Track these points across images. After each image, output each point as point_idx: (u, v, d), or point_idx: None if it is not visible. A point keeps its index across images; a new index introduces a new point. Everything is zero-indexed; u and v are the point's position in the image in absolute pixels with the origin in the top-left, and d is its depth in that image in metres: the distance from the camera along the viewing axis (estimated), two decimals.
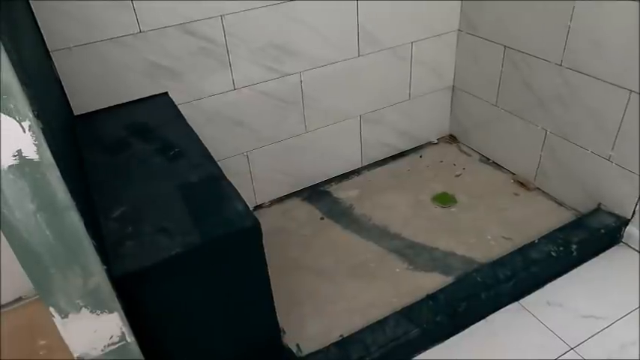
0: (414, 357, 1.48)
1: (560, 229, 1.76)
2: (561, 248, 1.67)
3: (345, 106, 2.12)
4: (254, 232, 1.08)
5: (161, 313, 1.06)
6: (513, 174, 2.20)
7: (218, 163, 1.28)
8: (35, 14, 1.41)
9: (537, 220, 1.93)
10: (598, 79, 1.69)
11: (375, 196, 2.15)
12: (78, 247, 0.77)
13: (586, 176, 1.87)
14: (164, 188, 1.20)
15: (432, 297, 1.54)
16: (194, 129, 1.43)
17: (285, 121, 2.00)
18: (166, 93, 1.68)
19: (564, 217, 1.93)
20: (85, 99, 1.57)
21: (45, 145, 0.68)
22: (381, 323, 1.47)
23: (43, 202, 0.71)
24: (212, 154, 1.31)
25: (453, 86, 2.36)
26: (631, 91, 1.61)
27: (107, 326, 0.87)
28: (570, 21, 1.71)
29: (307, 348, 1.47)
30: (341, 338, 1.47)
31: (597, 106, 1.73)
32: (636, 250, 1.78)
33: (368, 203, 2.11)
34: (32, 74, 0.86)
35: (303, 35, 1.86)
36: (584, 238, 1.71)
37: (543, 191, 2.08)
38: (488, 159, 2.32)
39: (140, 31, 1.58)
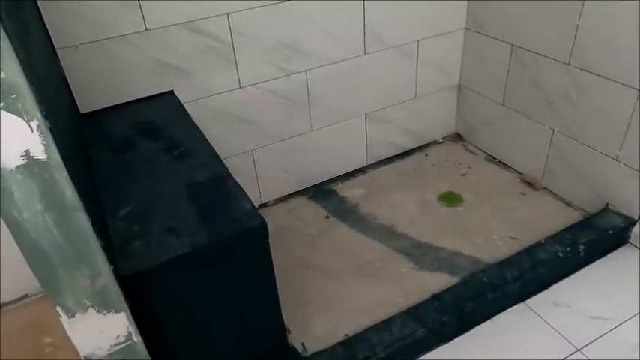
0: (419, 357, 1.47)
1: (568, 230, 1.75)
2: (568, 248, 1.66)
3: (351, 104, 2.11)
4: (261, 231, 1.08)
5: (168, 313, 1.06)
6: (520, 173, 2.19)
7: (223, 161, 1.27)
8: (42, 13, 1.40)
9: (544, 220, 1.92)
10: (606, 78, 1.68)
11: (381, 195, 2.15)
12: (85, 247, 0.77)
13: (594, 176, 1.86)
14: (171, 187, 1.20)
15: (438, 297, 1.54)
16: (199, 127, 1.43)
17: (290, 119, 2.00)
18: (172, 91, 1.68)
19: (571, 217, 1.92)
20: (91, 97, 1.57)
21: (53, 145, 0.67)
22: (387, 323, 1.47)
23: (51, 203, 0.71)
24: (217, 153, 1.30)
25: (459, 85, 2.34)
26: None
27: (114, 326, 0.87)
28: (579, 20, 1.69)
29: (313, 347, 1.47)
30: (347, 338, 1.47)
31: (605, 105, 1.71)
32: None
33: (374, 202, 2.11)
34: (40, 73, 0.86)
35: (308, 34, 1.85)
36: (592, 239, 1.70)
37: (550, 191, 2.06)
38: (495, 158, 2.31)
39: (146, 29, 1.57)
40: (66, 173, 0.70)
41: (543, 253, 1.65)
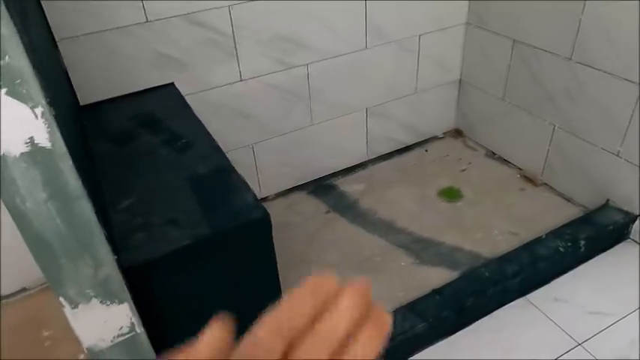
0: (419, 351, 1.47)
1: (568, 225, 1.75)
2: (569, 244, 1.66)
3: (352, 99, 2.11)
4: (264, 223, 1.07)
5: (170, 304, 1.05)
6: (520, 169, 2.19)
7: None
8: (42, 3, 1.39)
9: (544, 215, 1.92)
10: (608, 73, 1.67)
11: (381, 190, 2.14)
12: (89, 237, 0.76)
13: (594, 172, 1.86)
14: (172, 179, 1.19)
15: (438, 292, 1.54)
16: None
17: (291, 113, 1.99)
18: (172, 84, 1.67)
19: (571, 212, 1.92)
20: (91, 89, 1.56)
21: (57, 133, 0.66)
22: None
23: (54, 191, 0.70)
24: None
25: (460, 80, 2.34)
26: None
27: (117, 317, 0.86)
28: (582, 14, 1.69)
29: None
30: None
31: (607, 100, 1.71)
32: None
33: (373, 197, 2.10)
34: (43, 61, 0.85)
35: (310, 27, 1.84)
36: (592, 234, 1.70)
37: (550, 187, 2.06)
38: (495, 154, 2.31)
39: (147, 21, 1.56)
40: (70, 162, 0.69)
41: (544, 249, 1.65)
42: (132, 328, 0.90)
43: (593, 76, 1.73)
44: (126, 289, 0.86)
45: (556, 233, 1.72)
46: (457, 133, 2.48)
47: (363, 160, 2.30)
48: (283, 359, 0.27)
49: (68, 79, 1.51)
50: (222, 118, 1.84)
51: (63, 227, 0.72)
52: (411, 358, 1.46)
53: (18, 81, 0.61)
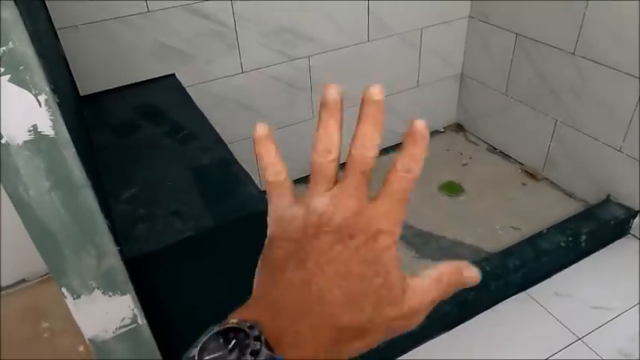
0: (421, 344, 1.47)
1: (570, 220, 1.75)
2: (570, 239, 1.66)
3: (353, 92, 2.08)
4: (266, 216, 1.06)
5: (172, 296, 1.05)
6: (521, 164, 2.19)
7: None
8: None
9: (545, 210, 1.92)
10: (612, 68, 1.67)
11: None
12: (92, 227, 0.75)
13: (596, 167, 1.86)
14: (175, 171, 1.18)
15: None
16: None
17: (292, 106, 1.98)
18: (174, 75, 1.65)
19: (572, 207, 1.92)
20: (91, 79, 1.54)
21: (61, 121, 0.65)
22: None
23: (58, 180, 0.69)
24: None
25: (462, 74, 2.33)
26: None
27: (119, 308, 0.85)
28: (586, 9, 1.68)
29: None
30: None
31: (610, 95, 1.71)
32: None
33: (375, 191, 2.09)
34: (45, 50, 0.84)
35: (312, 19, 1.82)
36: (594, 229, 1.70)
37: (551, 182, 2.06)
38: (496, 148, 2.30)
39: (148, 11, 1.54)
40: (74, 150, 0.68)
41: (546, 243, 1.65)
42: (134, 319, 0.89)
43: (596, 71, 1.72)
44: (128, 280, 0.85)
45: (557, 228, 1.71)
46: (458, 127, 2.47)
47: None
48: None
49: (68, 69, 1.50)
50: (224, 110, 1.83)
51: (66, 217, 0.71)
52: (412, 351, 1.46)
53: (21, 68, 0.60)
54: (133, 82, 1.60)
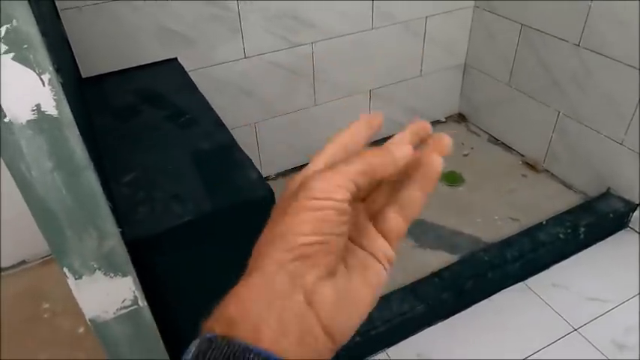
0: (418, 332, 1.49)
1: (569, 212, 1.76)
2: (569, 231, 1.67)
3: (356, 80, 2.09)
4: (267, 201, 1.06)
5: (171, 279, 1.05)
6: (522, 155, 2.19)
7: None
8: None
9: (545, 202, 1.92)
10: (616, 60, 1.66)
11: None
12: (94, 208, 0.75)
13: (597, 160, 1.86)
14: (176, 155, 1.18)
15: (438, 274, 1.54)
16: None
17: (294, 93, 1.97)
18: (176, 59, 1.64)
19: (572, 200, 1.92)
20: (93, 61, 1.54)
21: (64, 101, 0.65)
22: (387, 298, 1.47)
23: (60, 161, 0.69)
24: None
25: (465, 64, 2.32)
26: None
27: (120, 290, 0.86)
28: (591, 0, 1.66)
29: None
30: None
31: (614, 88, 1.70)
32: None
33: None
34: (48, 29, 0.83)
35: (316, 5, 1.81)
36: (593, 222, 1.71)
37: (552, 173, 2.06)
38: (497, 139, 2.30)
39: None
40: (77, 131, 0.68)
41: (544, 235, 1.66)
42: (135, 301, 0.89)
43: (601, 63, 1.71)
44: (130, 262, 0.85)
45: (556, 220, 1.72)
46: (460, 117, 2.47)
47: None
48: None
49: (70, 50, 1.49)
50: (225, 95, 1.82)
51: (68, 198, 0.72)
52: (409, 338, 1.47)
53: (25, 46, 0.60)
54: (135, 65, 1.60)
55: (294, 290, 0.30)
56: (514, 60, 2.05)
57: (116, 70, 1.57)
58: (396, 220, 0.36)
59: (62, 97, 0.65)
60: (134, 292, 0.88)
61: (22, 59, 0.60)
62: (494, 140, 2.30)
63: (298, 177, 0.36)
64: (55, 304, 1.66)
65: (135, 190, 1.08)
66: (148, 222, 0.99)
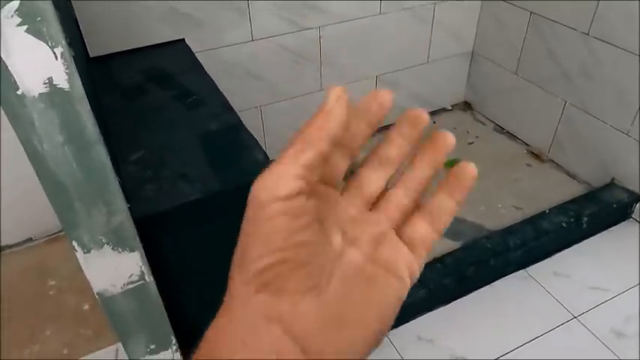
0: (419, 317, 1.50)
1: (573, 201, 1.76)
2: (572, 220, 1.67)
3: (363, 65, 2.08)
4: None
5: (177, 257, 1.07)
6: (527, 145, 2.18)
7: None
8: None
9: (549, 191, 1.92)
10: (626, 50, 1.65)
11: None
12: (103, 183, 0.76)
13: (602, 150, 1.85)
14: (183, 135, 1.18)
15: (440, 260, 1.55)
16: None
17: (301, 77, 1.97)
18: (183, 40, 1.64)
19: (576, 190, 1.92)
20: (100, 41, 1.54)
21: (76, 75, 0.66)
22: None
23: (71, 135, 0.70)
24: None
25: (473, 52, 2.31)
26: None
27: (128, 264, 0.87)
28: None
29: None
30: None
31: (622, 78, 1.69)
32: None
33: None
34: (60, 4, 0.83)
35: None
36: (596, 212, 1.71)
37: (557, 163, 2.06)
38: (503, 128, 2.29)
39: None
40: (88, 105, 0.69)
41: (547, 224, 1.66)
42: (142, 276, 0.91)
43: (609, 52, 1.70)
44: (137, 237, 0.87)
45: (560, 209, 1.72)
46: (466, 106, 2.46)
47: None
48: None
49: (78, 29, 1.49)
50: (232, 77, 1.82)
51: (78, 172, 0.73)
52: (410, 322, 1.48)
53: (39, 19, 0.60)
54: (143, 45, 1.60)
55: (268, 327, 0.25)
56: (522, 48, 2.04)
57: (124, 50, 1.57)
58: (426, 229, 0.31)
59: (74, 71, 0.65)
60: (141, 268, 0.90)
61: (35, 32, 0.61)
62: (500, 129, 2.30)
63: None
64: (61, 281, 1.68)
65: (142, 168, 1.09)
66: (155, 200, 1.00)
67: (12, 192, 1.67)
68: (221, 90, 1.36)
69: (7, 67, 0.61)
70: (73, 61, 0.65)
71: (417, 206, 0.32)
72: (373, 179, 0.32)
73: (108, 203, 0.79)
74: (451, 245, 1.70)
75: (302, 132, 0.27)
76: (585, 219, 1.69)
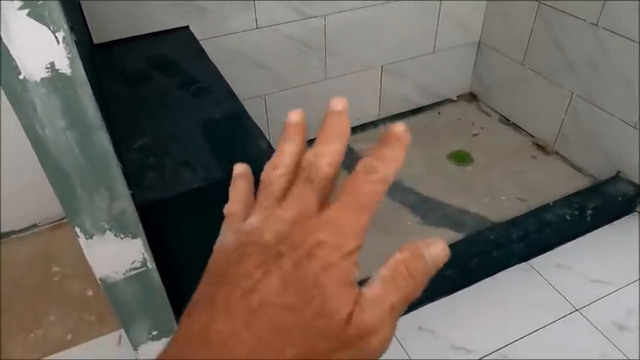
0: (421, 306, 1.50)
1: (577, 194, 1.75)
2: (576, 213, 1.66)
3: (368, 54, 2.07)
4: None
5: (179, 245, 1.07)
6: (533, 137, 2.17)
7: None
8: None
9: (553, 184, 1.91)
10: (635, 42, 1.63)
11: None
12: (106, 168, 0.76)
13: (608, 143, 1.84)
14: (186, 122, 1.18)
15: None
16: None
17: (305, 66, 1.96)
18: (187, 27, 1.64)
19: (581, 183, 1.91)
20: (104, 28, 1.53)
21: (78, 60, 0.65)
22: None
23: (73, 120, 0.69)
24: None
25: (479, 42, 2.28)
26: None
27: (130, 251, 0.88)
28: None
29: None
30: None
31: (630, 70, 1.67)
32: None
33: None
34: None
35: None
36: (600, 205, 1.70)
37: (562, 156, 2.05)
38: (508, 120, 2.28)
39: None
40: (90, 91, 0.68)
41: (551, 216, 1.65)
42: (144, 263, 0.91)
43: (618, 44, 1.68)
44: (140, 224, 0.87)
45: (564, 201, 1.71)
46: (472, 97, 2.45)
47: (375, 119, 2.28)
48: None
49: (82, 16, 1.48)
50: (236, 66, 1.81)
51: (80, 157, 0.73)
52: (411, 313, 1.49)
53: (40, 2, 0.60)
54: (147, 32, 1.59)
55: None
56: (529, 39, 2.02)
57: (128, 37, 1.57)
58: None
59: (76, 56, 0.65)
60: (143, 254, 0.90)
61: (37, 16, 0.60)
62: (505, 120, 2.29)
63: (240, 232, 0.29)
64: (65, 267, 1.69)
65: (145, 155, 1.09)
66: (158, 187, 1.00)
67: (16, 178, 1.68)
68: (225, 78, 1.36)
69: (8, 51, 0.61)
70: (75, 46, 0.65)
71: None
72: None
73: (110, 189, 0.79)
74: (454, 236, 1.70)
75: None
76: (589, 212, 1.68)
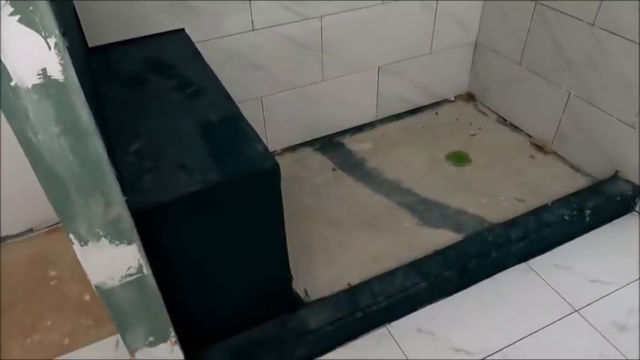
0: (419, 309, 1.50)
1: (576, 194, 1.74)
2: (575, 213, 1.66)
3: (365, 55, 2.06)
4: (273, 173, 1.06)
5: (176, 249, 1.06)
6: (530, 137, 2.16)
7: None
8: None
9: (551, 184, 1.91)
10: (632, 41, 1.62)
11: (388, 150, 2.13)
12: (100, 174, 0.75)
13: (606, 142, 1.83)
14: (182, 125, 1.17)
15: (442, 252, 1.55)
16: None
17: (302, 67, 1.95)
18: (183, 29, 1.63)
19: (579, 182, 1.91)
20: (99, 30, 1.52)
21: (71, 66, 0.65)
22: (390, 274, 1.48)
23: (66, 126, 0.69)
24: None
25: (477, 42, 2.28)
26: None
27: (125, 257, 0.87)
28: None
29: (315, 295, 1.49)
30: (349, 287, 1.48)
31: (628, 70, 1.67)
32: None
33: (381, 157, 2.09)
34: None
35: None
36: (599, 205, 1.70)
37: (560, 155, 2.04)
38: (506, 120, 2.27)
39: None
40: (83, 96, 0.68)
41: (550, 216, 1.65)
42: (139, 269, 0.91)
43: (616, 43, 1.68)
44: (135, 230, 0.86)
45: (563, 201, 1.71)
46: (469, 97, 2.44)
47: (372, 120, 2.27)
48: None
49: (77, 19, 1.47)
50: (233, 68, 1.80)
51: (75, 163, 0.72)
52: (411, 314, 1.48)
53: (31, 8, 0.59)
54: (142, 35, 1.58)
55: None
56: (526, 38, 2.02)
57: (123, 39, 1.56)
58: None
59: (68, 61, 0.64)
60: (139, 260, 0.89)
61: (28, 22, 0.60)
62: (503, 120, 2.28)
63: None
64: (62, 271, 1.68)
65: (141, 159, 1.08)
66: (155, 191, 1.00)
67: (13, 182, 1.67)
68: (221, 80, 1.35)
69: None
70: (67, 52, 0.64)
71: None
72: None
73: (105, 195, 0.78)
74: (453, 237, 1.70)
75: None
76: (588, 212, 1.67)
